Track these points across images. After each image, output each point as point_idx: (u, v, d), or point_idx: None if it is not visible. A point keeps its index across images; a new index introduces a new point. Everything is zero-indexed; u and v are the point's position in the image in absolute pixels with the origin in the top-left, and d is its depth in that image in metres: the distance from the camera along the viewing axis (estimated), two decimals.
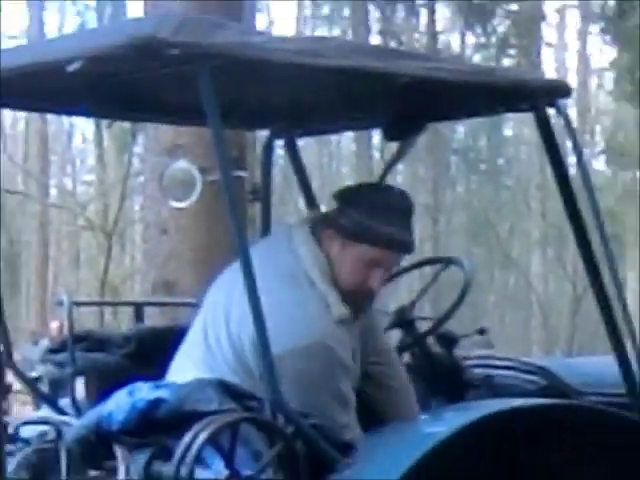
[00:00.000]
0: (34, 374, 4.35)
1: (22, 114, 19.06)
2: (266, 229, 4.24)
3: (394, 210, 3.33)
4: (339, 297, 3.28)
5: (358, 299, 3.33)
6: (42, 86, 3.40)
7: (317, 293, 3.29)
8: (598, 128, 28.15)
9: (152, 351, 3.73)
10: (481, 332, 4.06)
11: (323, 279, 3.31)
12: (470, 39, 23.75)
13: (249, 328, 2.99)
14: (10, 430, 3.25)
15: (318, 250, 3.35)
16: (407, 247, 3.30)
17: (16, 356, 4.24)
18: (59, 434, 3.21)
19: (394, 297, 3.99)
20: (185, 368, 3.37)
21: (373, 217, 3.28)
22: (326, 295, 3.27)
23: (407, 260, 3.81)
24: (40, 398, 4.06)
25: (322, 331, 3.22)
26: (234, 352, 3.28)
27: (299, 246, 3.37)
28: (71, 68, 2.89)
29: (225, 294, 3.32)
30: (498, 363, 4.18)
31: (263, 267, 3.18)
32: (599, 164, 25.22)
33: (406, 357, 3.90)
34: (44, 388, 3.96)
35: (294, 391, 3.11)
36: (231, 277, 3.22)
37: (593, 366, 4.30)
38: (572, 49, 28.80)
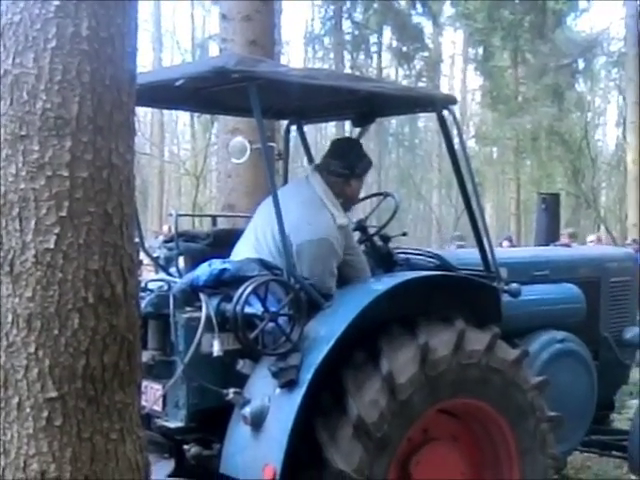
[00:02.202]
0: (155, 254, 5.24)
1: (149, 109, 25.52)
2: (285, 175, 5.53)
3: (361, 156, 4.85)
4: (340, 212, 4.58)
5: (347, 208, 4.75)
6: (161, 94, 4.63)
7: (327, 209, 4.56)
8: (471, 123, 41.09)
9: (222, 242, 4.90)
10: (404, 234, 5.29)
11: (329, 201, 4.60)
12: (400, 72, 35.60)
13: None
14: (142, 284, 4.45)
15: (325, 185, 4.66)
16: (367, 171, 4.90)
17: (145, 244, 5.35)
18: (169, 287, 4.43)
19: (355, 215, 5.38)
20: (242, 252, 4.60)
21: (349, 162, 4.75)
22: (332, 210, 4.55)
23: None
24: (159, 267, 5.16)
25: (328, 232, 4.45)
26: (272, 242, 4.47)
27: (314, 184, 4.66)
28: (178, 84, 4.18)
29: (266, 211, 4.52)
30: (412, 251, 5.36)
31: (292, 196, 4.51)
32: (471, 143, 35.35)
33: (362, 247, 5.15)
34: (161, 262, 5.10)
35: (307, 265, 4.34)
36: (269, 202, 4.42)
37: (466, 254, 5.41)
38: (457, 78, 46.35)
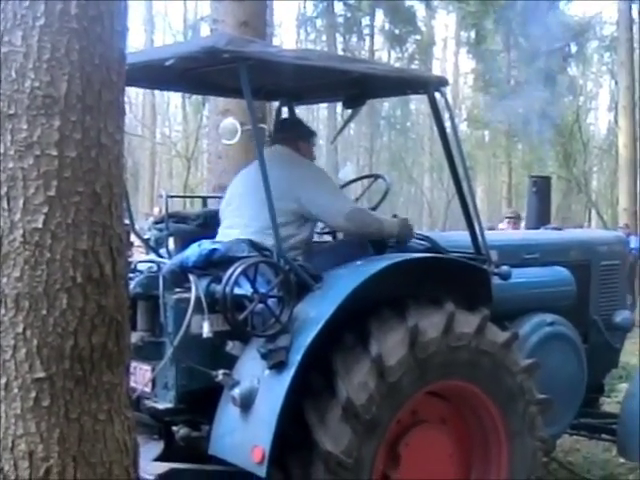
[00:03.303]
0: (146, 236, 5.22)
1: (140, 90, 25.82)
2: None
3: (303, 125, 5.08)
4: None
5: None
6: (152, 74, 4.60)
7: (305, 162, 4.86)
8: (463, 106, 41.27)
9: (212, 223, 4.91)
10: (394, 216, 5.13)
11: (302, 158, 4.85)
12: (392, 54, 36.09)
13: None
14: (132, 265, 4.49)
15: (297, 151, 4.87)
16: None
17: (136, 226, 5.32)
18: (159, 268, 4.43)
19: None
20: (229, 233, 4.62)
21: (302, 130, 4.99)
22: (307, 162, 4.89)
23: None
24: (149, 248, 5.14)
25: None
26: (263, 220, 4.43)
27: (290, 150, 4.83)
28: (168, 63, 4.15)
29: (250, 188, 4.65)
30: None
31: (278, 162, 4.60)
32: (463, 126, 36.28)
33: None
34: (151, 243, 5.08)
35: (320, 196, 4.59)
36: (249, 180, 4.70)
37: (456, 237, 5.35)
38: (450, 61, 46.82)
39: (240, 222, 4.67)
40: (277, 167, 4.46)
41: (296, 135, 4.98)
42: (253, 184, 4.54)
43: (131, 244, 4.93)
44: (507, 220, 11.45)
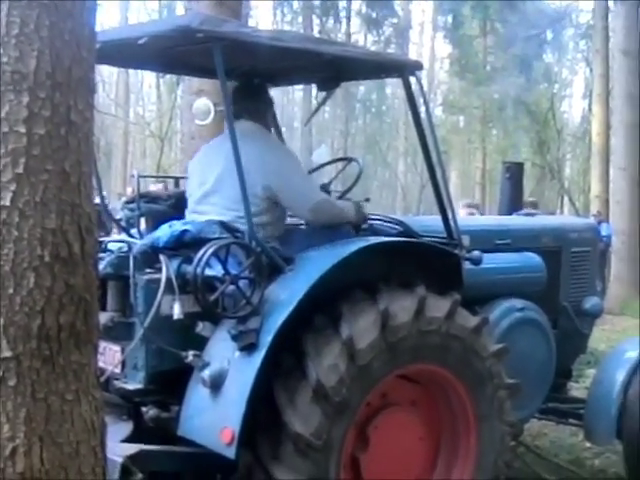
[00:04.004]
0: (118, 216, 5.16)
1: (114, 69, 26.21)
2: None
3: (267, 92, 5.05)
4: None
5: None
6: (125, 52, 4.56)
7: (276, 145, 4.91)
8: (439, 91, 41.14)
9: (183, 203, 4.88)
10: (367, 200, 5.27)
11: (273, 140, 4.94)
12: (369, 38, 36.01)
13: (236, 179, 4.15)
14: (102, 245, 4.43)
15: (265, 126, 4.88)
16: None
17: (109, 206, 5.33)
18: (130, 248, 4.39)
19: (319, 179, 5.39)
20: (203, 212, 4.62)
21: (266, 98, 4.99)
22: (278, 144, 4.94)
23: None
24: (120, 229, 5.11)
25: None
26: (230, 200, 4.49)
27: (258, 127, 4.79)
28: (141, 42, 4.08)
29: (214, 165, 4.65)
30: (376, 217, 5.34)
31: (250, 140, 4.52)
32: (438, 111, 36.47)
33: None
34: (123, 223, 5.04)
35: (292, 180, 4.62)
36: (216, 152, 4.73)
37: (429, 221, 5.37)
38: (426, 46, 47.06)
39: (214, 202, 4.66)
40: (248, 147, 4.39)
41: (263, 106, 4.93)
42: (225, 164, 4.51)
43: (104, 224, 4.83)
44: (464, 207, 11.53)
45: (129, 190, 9.37)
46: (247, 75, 4.95)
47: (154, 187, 9.60)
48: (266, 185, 4.53)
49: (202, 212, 4.67)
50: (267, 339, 3.93)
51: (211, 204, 4.65)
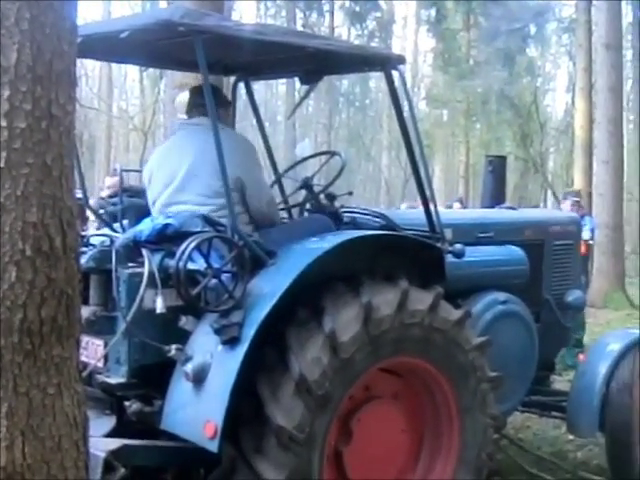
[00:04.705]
0: (101, 211, 5.24)
1: (97, 62, 26.01)
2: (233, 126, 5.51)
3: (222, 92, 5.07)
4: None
5: None
6: (107, 46, 4.53)
7: (237, 137, 4.82)
8: (422, 84, 40.61)
9: None
10: (350, 193, 5.34)
11: (232, 131, 4.91)
12: (353, 32, 35.73)
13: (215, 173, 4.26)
14: (84, 239, 4.44)
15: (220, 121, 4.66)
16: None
17: (90, 201, 5.32)
18: (112, 242, 4.40)
19: (303, 173, 5.38)
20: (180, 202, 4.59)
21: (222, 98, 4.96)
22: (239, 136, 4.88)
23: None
24: (103, 223, 5.10)
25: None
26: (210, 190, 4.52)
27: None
28: (122, 35, 4.08)
29: (181, 163, 4.61)
30: (359, 210, 5.38)
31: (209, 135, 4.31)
32: (422, 105, 36.69)
33: (307, 206, 5.29)
34: (105, 217, 5.06)
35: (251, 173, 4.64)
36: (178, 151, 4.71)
37: (412, 214, 5.46)
38: (410, 40, 45.58)
39: (185, 200, 4.63)
40: (207, 141, 4.34)
41: (217, 103, 4.71)
42: (192, 160, 4.53)
43: (87, 218, 4.82)
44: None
45: (108, 181, 9.22)
46: (229, 69, 4.92)
47: (108, 178, 9.44)
48: (237, 177, 4.52)
49: (178, 205, 4.65)
50: (250, 332, 3.92)
51: (182, 202, 4.62)
